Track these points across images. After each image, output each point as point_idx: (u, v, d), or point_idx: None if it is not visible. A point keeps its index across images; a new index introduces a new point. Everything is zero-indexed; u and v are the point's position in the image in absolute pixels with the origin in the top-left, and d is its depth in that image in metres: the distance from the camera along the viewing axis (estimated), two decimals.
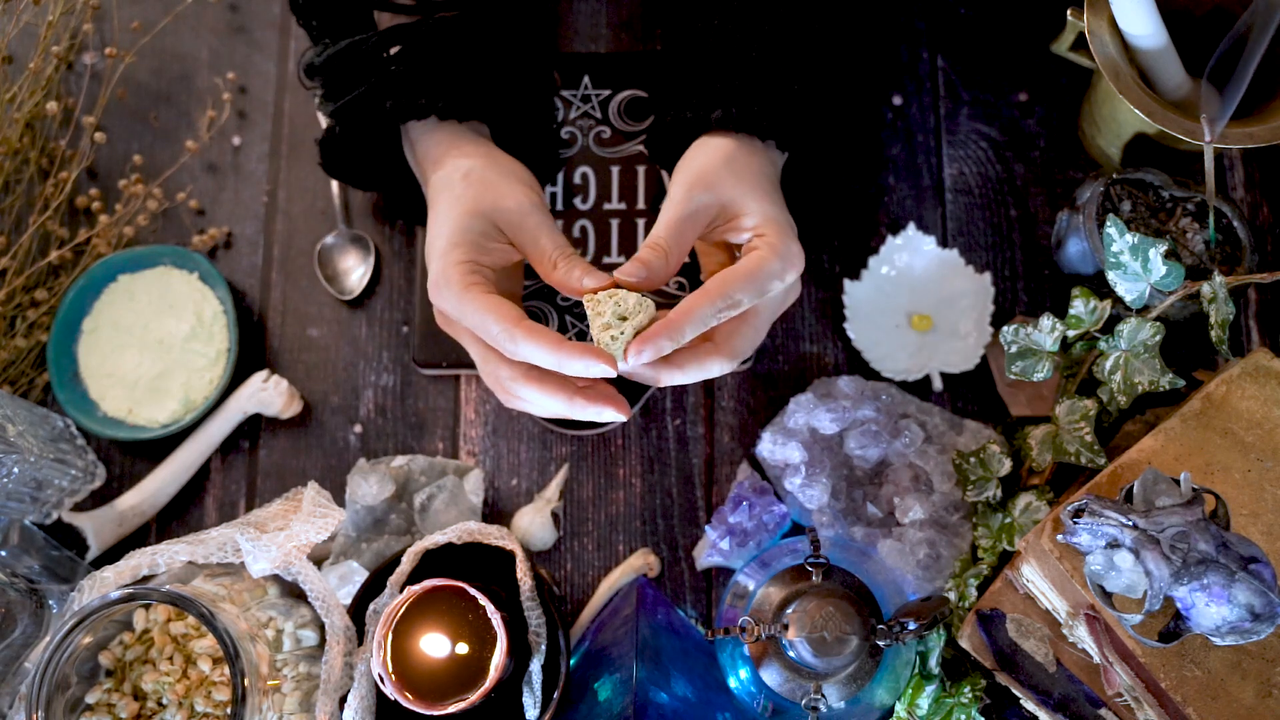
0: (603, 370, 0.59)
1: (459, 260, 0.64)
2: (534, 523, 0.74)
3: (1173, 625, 0.55)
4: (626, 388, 0.75)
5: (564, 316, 0.77)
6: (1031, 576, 0.64)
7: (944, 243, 0.80)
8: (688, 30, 0.73)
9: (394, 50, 0.70)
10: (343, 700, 0.62)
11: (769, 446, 0.73)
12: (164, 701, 0.61)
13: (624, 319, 0.60)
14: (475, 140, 0.70)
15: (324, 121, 0.82)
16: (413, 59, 0.69)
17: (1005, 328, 0.69)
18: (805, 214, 0.74)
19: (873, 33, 0.79)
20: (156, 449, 0.77)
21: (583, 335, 0.76)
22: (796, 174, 0.73)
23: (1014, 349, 0.69)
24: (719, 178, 0.65)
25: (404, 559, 0.65)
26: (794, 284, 0.66)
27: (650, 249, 0.63)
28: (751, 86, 0.68)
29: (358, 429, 0.78)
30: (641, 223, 0.79)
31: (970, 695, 0.66)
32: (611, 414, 0.62)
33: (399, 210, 0.81)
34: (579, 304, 0.77)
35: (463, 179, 0.67)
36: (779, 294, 0.64)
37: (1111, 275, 0.68)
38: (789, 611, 0.61)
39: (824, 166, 0.74)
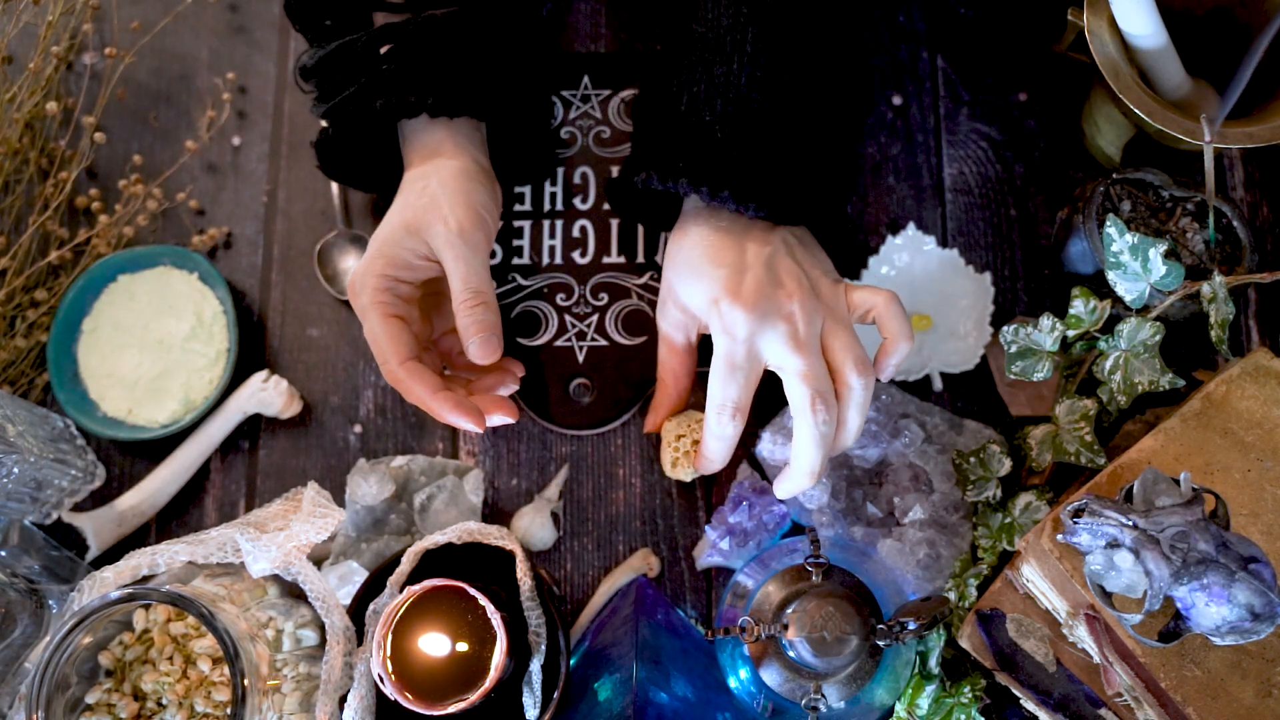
0: (472, 428, 0.67)
1: (378, 272, 0.67)
2: (534, 523, 0.74)
3: (1173, 625, 0.55)
4: (625, 388, 0.75)
5: (563, 316, 0.77)
6: (1031, 576, 0.64)
7: (944, 243, 0.80)
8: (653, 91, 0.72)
9: (385, 49, 0.70)
10: (343, 700, 0.62)
11: (769, 446, 0.73)
12: (164, 701, 0.61)
13: (681, 437, 0.72)
14: (460, 146, 0.71)
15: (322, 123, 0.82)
16: (403, 57, 0.69)
17: (1005, 328, 0.69)
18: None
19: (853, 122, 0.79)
20: (156, 449, 0.77)
21: (582, 335, 0.77)
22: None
23: (1014, 349, 0.69)
24: (695, 301, 0.67)
25: (404, 559, 0.65)
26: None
27: (670, 400, 0.72)
28: (716, 154, 0.66)
29: (358, 429, 0.78)
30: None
31: (970, 695, 0.66)
32: (469, 425, 0.67)
33: None
34: (579, 303, 0.77)
35: (420, 189, 0.68)
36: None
37: (1111, 275, 0.68)
38: (789, 611, 0.61)
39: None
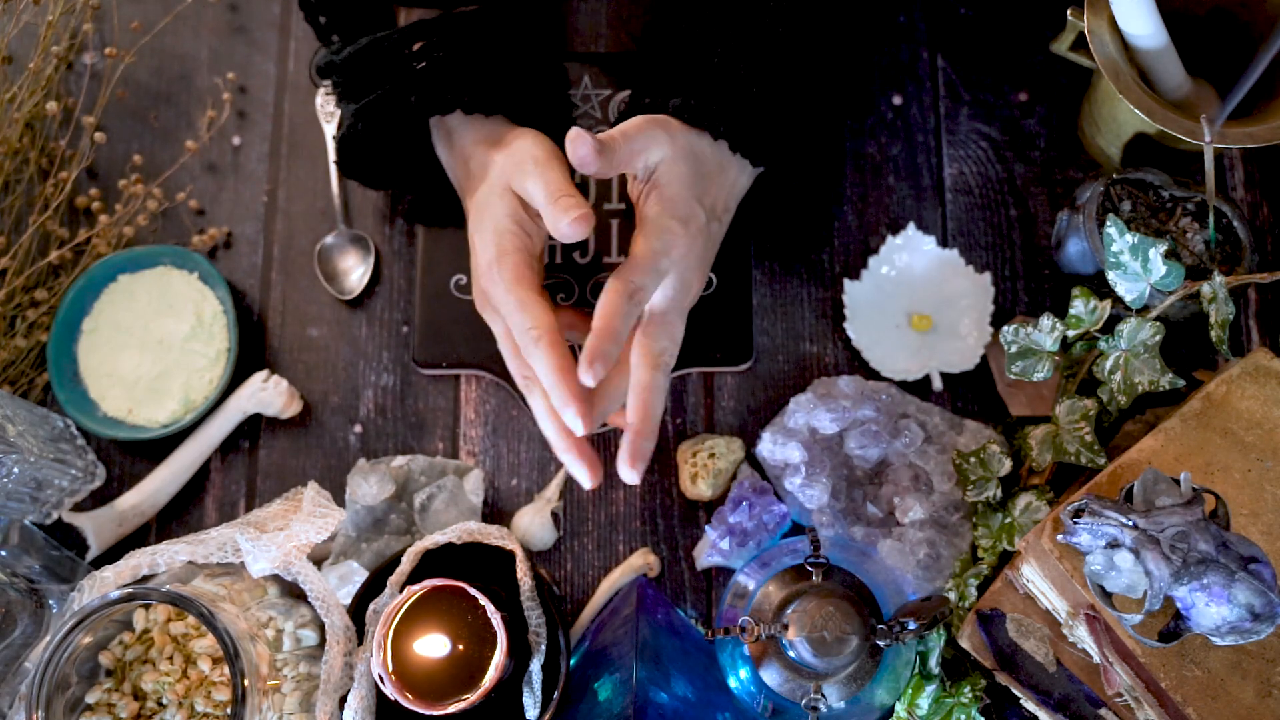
0: (575, 425, 0.62)
1: (515, 248, 0.66)
2: (534, 523, 0.74)
3: (1173, 625, 0.55)
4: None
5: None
6: (1031, 576, 0.64)
7: (944, 243, 0.80)
8: (665, 31, 0.76)
9: (416, 46, 0.70)
10: (343, 700, 0.62)
11: (769, 446, 0.73)
12: (164, 701, 0.61)
13: (696, 453, 0.74)
14: (500, 127, 0.71)
15: (324, 122, 0.82)
16: (437, 54, 0.69)
17: (1005, 328, 0.69)
18: (760, 225, 0.76)
19: (849, 56, 0.76)
20: (156, 449, 0.77)
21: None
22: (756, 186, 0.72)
23: (1014, 349, 0.69)
24: (674, 130, 0.65)
25: (404, 559, 0.65)
26: (684, 272, 0.65)
27: (605, 141, 0.62)
28: (711, 86, 0.67)
29: (358, 429, 0.78)
30: None
31: (970, 695, 0.66)
32: (583, 475, 0.65)
33: (422, 213, 0.79)
34: (579, 303, 0.77)
35: (501, 161, 0.68)
36: (673, 283, 0.64)
37: (1111, 275, 0.68)
38: (789, 611, 0.61)
39: (780, 175, 0.72)
